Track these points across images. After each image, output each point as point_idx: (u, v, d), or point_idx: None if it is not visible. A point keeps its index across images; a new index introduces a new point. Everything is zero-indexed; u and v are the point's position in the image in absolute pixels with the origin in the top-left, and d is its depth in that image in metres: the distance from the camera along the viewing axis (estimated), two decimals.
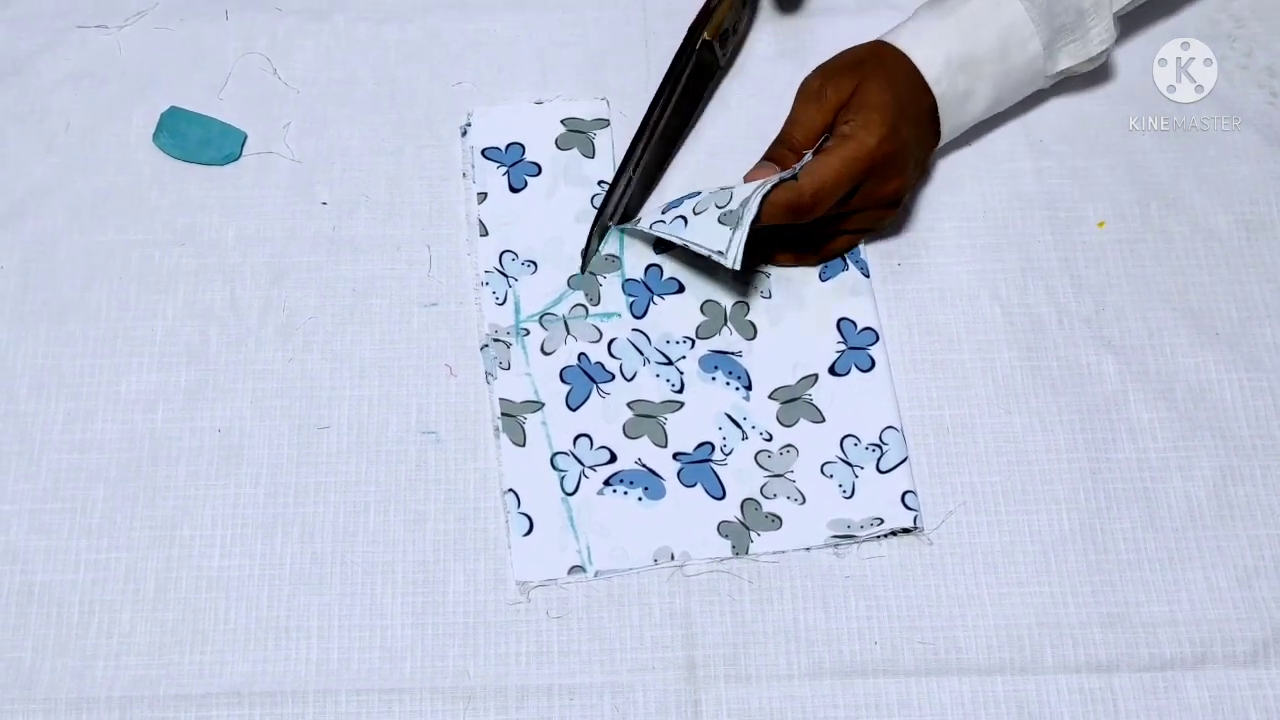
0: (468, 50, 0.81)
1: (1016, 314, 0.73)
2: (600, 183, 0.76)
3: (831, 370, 0.72)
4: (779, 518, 0.68)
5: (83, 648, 0.66)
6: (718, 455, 0.70)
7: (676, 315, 0.73)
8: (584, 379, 0.71)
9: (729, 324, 0.73)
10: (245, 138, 0.78)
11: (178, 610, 0.66)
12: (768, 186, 0.67)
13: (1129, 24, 0.79)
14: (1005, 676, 0.65)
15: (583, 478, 0.69)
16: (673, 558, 0.67)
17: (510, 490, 0.69)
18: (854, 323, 0.73)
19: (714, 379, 0.72)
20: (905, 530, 0.68)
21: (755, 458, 0.70)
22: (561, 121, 0.78)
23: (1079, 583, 0.67)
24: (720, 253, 0.66)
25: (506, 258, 0.74)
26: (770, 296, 0.73)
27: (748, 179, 0.70)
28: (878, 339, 0.72)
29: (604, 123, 0.78)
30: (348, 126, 0.79)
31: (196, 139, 0.77)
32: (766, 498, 0.69)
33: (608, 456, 0.70)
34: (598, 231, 0.74)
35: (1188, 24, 0.82)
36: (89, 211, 0.76)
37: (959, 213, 0.76)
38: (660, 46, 0.81)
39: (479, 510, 0.69)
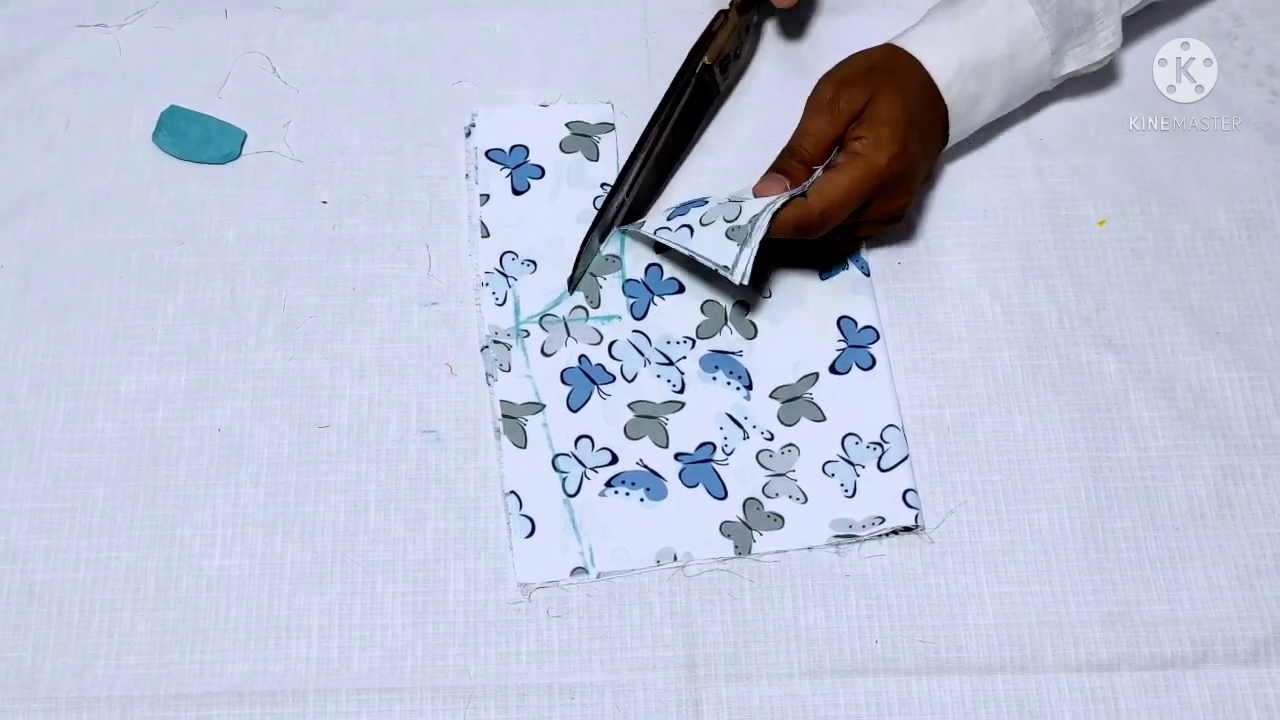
0: (468, 49, 0.81)
1: (1017, 313, 0.73)
2: (604, 186, 0.76)
3: (832, 369, 0.72)
4: (781, 517, 0.68)
5: (83, 647, 0.66)
6: (719, 455, 0.70)
7: (677, 315, 0.73)
8: (585, 380, 0.71)
9: (729, 323, 0.73)
10: (245, 137, 0.78)
11: (178, 609, 0.66)
12: (778, 204, 0.66)
13: (1130, 25, 0.79)
14: (1006, 675, 0.65)
15: (584, 479, 0.69)
16: (675, 558, 0.67)
17: (512, 492, 0.68)
18: (854, 321, 0.73)
19: (715, 379, 0.72)
20: (906, 529, 0.68)
21: (757, 457, 0.70)
22: (566, 125, 0.78)
23: (1080, 581, 0.67)
24: (727, 268, 0.66)
25: (507, 258, 0.74)
26: (770, 296, 0.73)
27: (757, 192, 0.69)
28: (878, 337, 0.72)
29: (608, 126, 0.78)
30: (348, 125, 0.78)
31: (196, 138, 0.77)
32: (768, 497, 0.69)
33: (609, 458, 0.70)
34: (586, 253, 0.73)
35: (1188, 23, 0.82)
36: (89, 210, 0.76)
37: (959, 211, 0.76)
38: (661, 46, 0.80)
39: (479, 509, 0.69)
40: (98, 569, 0.67)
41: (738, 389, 0.71)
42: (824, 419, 0.70)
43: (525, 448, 0.69)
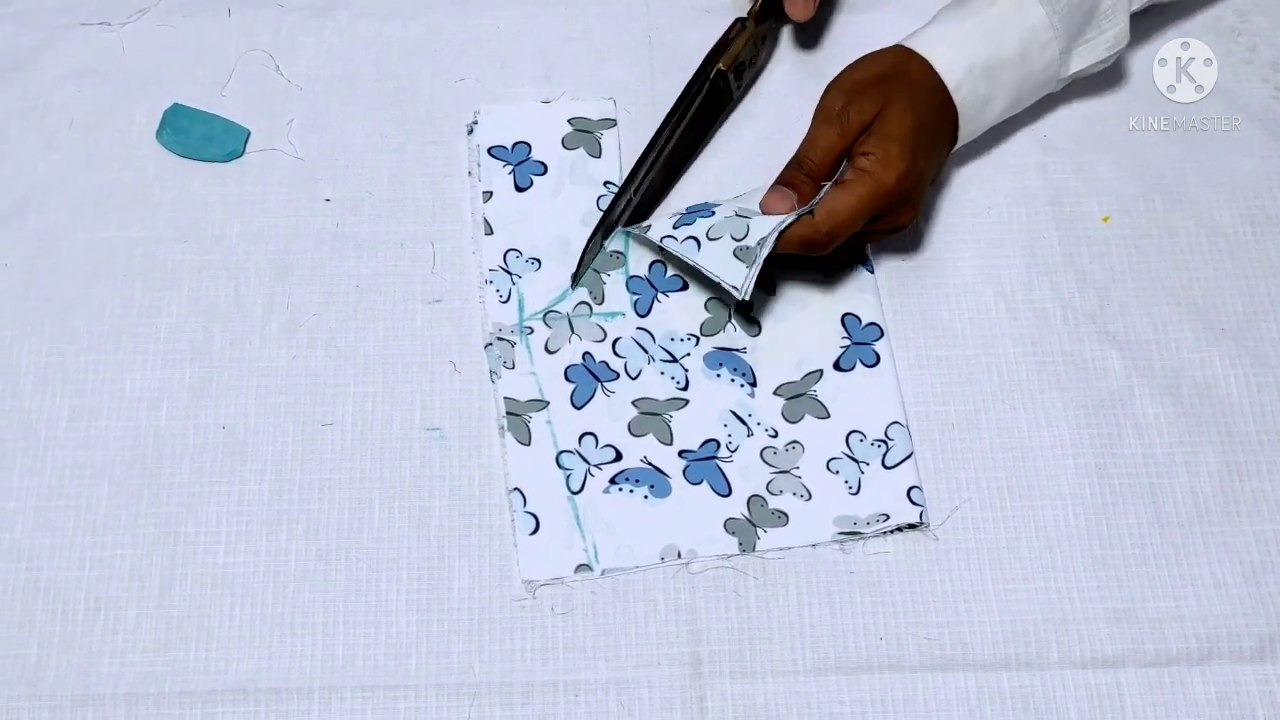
0: (470, 46, 0.81)
1: (1021, 309, 0.73)
2: (606, 183, 0.76)
3: (836, 366, 0.71)
4: (785, 514, 0.68)
5: (88, 644, 0.66)
6: (723, 452, 0.70)
7: (681, 312, 0.73)
8: (589, 377, 0.71)
9: (733, 320, 0.73)
10: (248, 134, 0.78)
11: (183, 607, 0.66)
12: (785, 225, 0.66)
13: (1133, 24, 0.79)
14: (1011, 672, 0.65)
15: (588, 476, 0.69)
16: (679, 555, 0.67)
17: (516, 489, 0.68)
18: (858, 318, 0.73)
19: (719, 376, 0.71)
20: (911, 526, 0.68)
21: (761, 454, 0.70)
22: (568, 121, 0.78)
23: (1085, 578, 0.67)
24: (735, 287, 0.66)
25: (511, 255, 0.74)
26: (774, 293, 0.73)
27: (763, 207, 0.69)
28: (882, 334, 0.72)
29: (611, 122, 0.78)
30: (351, 123, 0.78)
31: (199, 136, 0.77)
32: (773, 494, 0.69)
33: (613, 455, 0.69)
34: (590, 250, 0.73)
35: (1191, 20, 0.81)
36: (92, 208, 0.76)
37: (963, 208, 0.76)
38: (664, 42, 0.80)
39: (484, 506, 0.69)
40: (102, 567, 0.67)
41: (742, 386, 0.71)
42: (828, 416, 0.70)
43: (529, 445, 0.69)
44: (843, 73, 0.71)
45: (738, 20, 0.77)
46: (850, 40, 0.78)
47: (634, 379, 0.71)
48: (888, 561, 0.67)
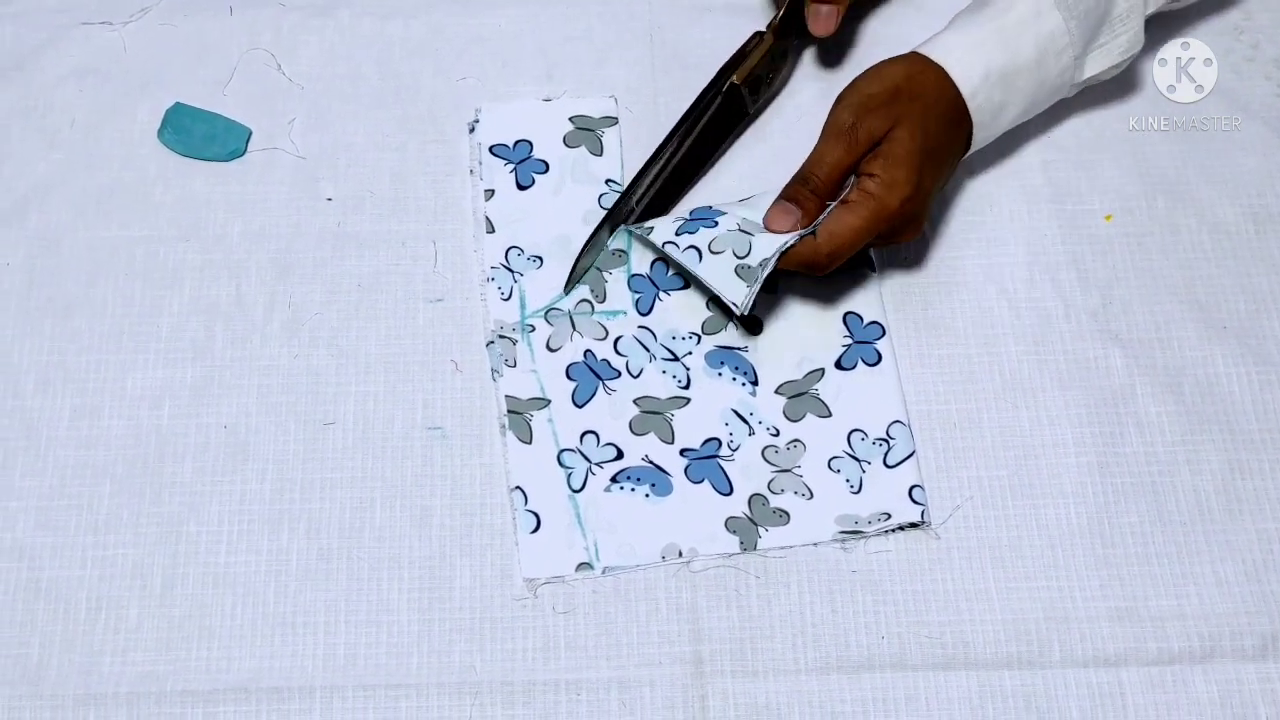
0: (472, 45, 0.81)
1: (1023, 308, 0.73)
2: (608, 181, 0.76)
3: (838, 365, 0.71)
4: (787, 513, 0.68)
5: (89, 644, 0.66)
6: (725, 451, 0.70)
7: (682, 311, 0.73)
8: (590, 375, 0.71)
9: (735, 319, 0.73)
10: (250, 134, 0.78)
11: (184, 606, 0.66)
12: (787, 245, 0.66)
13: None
14: (1013, 671, 0.65)
15: (589, 474, 0.69)
16: (681, 554, 0.67)
17: (517, 487, 0.68)
18: (860, 317, 0.73)
19: (720, 374, 0.71)
20: (912, 525, 0.68)
21: (762, 453, 0.70)
22: (570, 119, 0.78)
23: (1087, 577, 0.67)
24: (734, 304, 0.67)
25: (513, 253, 0.74)
26: (776, 292, 0.73)
27: (766, 223, 0.68)
28: (884, 333, 0.72)
29: (612, 120, 0.78)
30: (352, 122, 0.78)
31: (201, 135, 0.77)
32: (774, 493, 0.69)
33: (614, 453, 0.69)
34: (586, 255, 0.73)
35: (1193, 17, 0.81)
36: (93, 208, 0.76)
37: (965, 206, 0.76)
38: (665, 41, 0.80)
39: (485, 505, 0.69)
40: (104, 566, 0.67)
41: (743, 385, 0.71)
42: (830, 415, 0.70)
43: (530, 443, 0.69)
44: (854, 84, 0.70)
45: (756, 33, 0.76)
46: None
47: (635, 377, 0.71)
48: (889, 560, 0.67)
